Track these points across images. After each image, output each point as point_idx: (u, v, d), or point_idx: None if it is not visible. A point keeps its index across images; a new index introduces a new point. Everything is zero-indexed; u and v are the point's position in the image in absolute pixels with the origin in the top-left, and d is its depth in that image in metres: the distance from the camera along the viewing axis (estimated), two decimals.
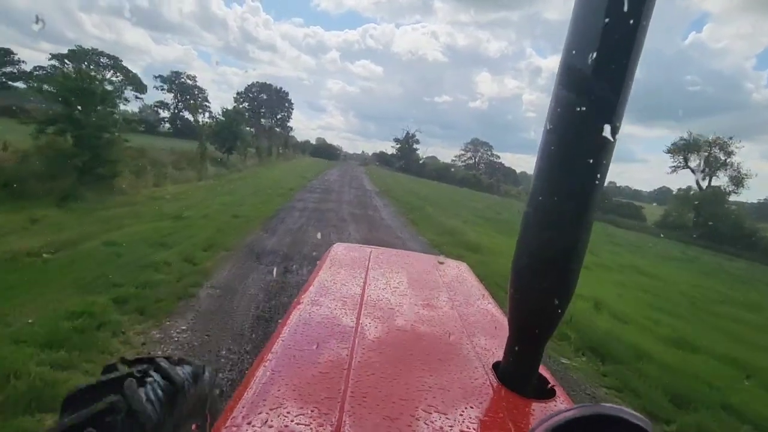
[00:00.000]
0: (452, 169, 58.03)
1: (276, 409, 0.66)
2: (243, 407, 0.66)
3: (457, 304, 1.36)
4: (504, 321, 1.16)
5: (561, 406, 0.82)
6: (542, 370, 0.90)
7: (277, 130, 56.97)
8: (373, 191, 20.33)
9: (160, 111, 52.53)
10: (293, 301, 1.22)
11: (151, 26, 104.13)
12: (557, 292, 0.74)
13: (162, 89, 52.04)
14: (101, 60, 49.49)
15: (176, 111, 54.11)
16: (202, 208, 8.95)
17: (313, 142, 68.07)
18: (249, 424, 0.62)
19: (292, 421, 0.64)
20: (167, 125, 52.14)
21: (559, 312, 0.75)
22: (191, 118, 54.27)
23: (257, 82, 57.97)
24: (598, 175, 0.67)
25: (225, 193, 11.54)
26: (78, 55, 48.45)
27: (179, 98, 52.71)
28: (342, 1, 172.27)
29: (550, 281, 0.73)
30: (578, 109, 0.65)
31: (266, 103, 57.80)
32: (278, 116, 58.69)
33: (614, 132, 0.64)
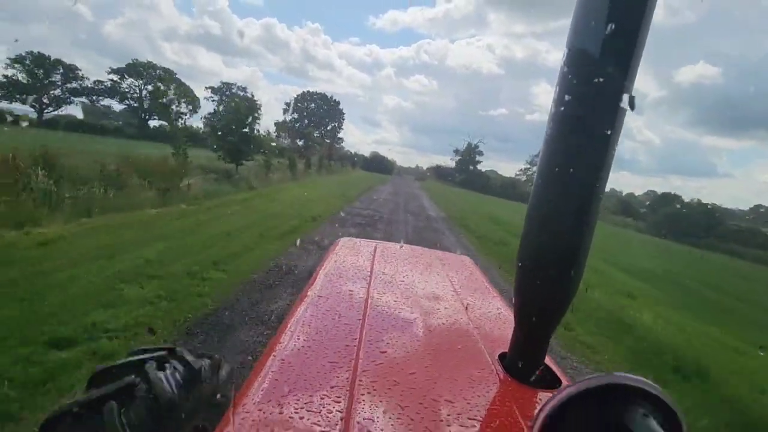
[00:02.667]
0: (517, 185, 49.85)
1: (285, 397, 0.68)
2: (252, 397, 0.68)
3: (462, 296, 1.38)
4: (508, 313, 1.20)
5: None
6: (548, 361, 0.91)
7: (327, 141, 53.42)
8: (440, 217, 14.71)
9: (211, 124, 51.66)
10: (300, 294, 1.24)
11: (223, 51, 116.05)
12: (562, 284, 0.75)
13: (212, 100, 51.01)
14: (156, 72, 49.86)
15: (230, 125, 53.00)
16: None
17: (368, 155, 64.22)
18: (259, 411, 0.64)
19: (301, 408, 0.66)
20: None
21: (565, 304, 0.77)
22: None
23: (308, 91, 55.09)
24: (603, 170, 0.69)
25: (157, 238, 5.97)
26: (135, 67, 49.26)
27: (230, 112, 51.47)
28: (397, 19, 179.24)
29: (556, 273, 0.74)
30: (579, 105, 0.67)
31: (315, 113, 54.57)
32: (328, 127, 55.10)
33: (616, 129, 0.66)
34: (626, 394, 0.47)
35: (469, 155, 54.80)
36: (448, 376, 0.83)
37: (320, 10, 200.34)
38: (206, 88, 52.14)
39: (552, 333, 0.83)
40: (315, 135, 52.29)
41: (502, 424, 0.71)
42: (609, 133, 0.66)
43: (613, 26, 0.62)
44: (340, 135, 56.61)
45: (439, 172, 60.07)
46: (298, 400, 0.67)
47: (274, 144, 16.30)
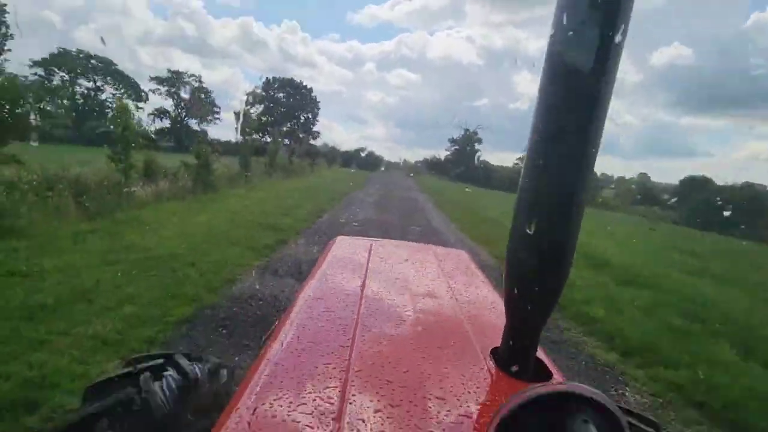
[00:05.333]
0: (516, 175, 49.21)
1: (279, 399, 0.74)
2: (246, 399, 0.74)
3: (457, 292, 1.50)
4: (502, 307, 1.15)
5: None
6: (540, 354, 0.98)
7: (301, 135, 52.08)
8: (467, 242, 13.10)
9: (159, 120, 49.70)
10: (295, 293, 1.38)
11: (201, 53, 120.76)
12: (551, 276, 0.82)
13: (158, 93, 49.10)
14: (91, 63, 47.69)
15: (179, 120, 51.04)
16: None
17: (362, 153, 62.73)
18: (253, 414, 0.70)
19: (294, 410, 0.72)
20: (167, 138, 48.99)
21: (554, 296, 0.84)
22: (198, 128, 50.88)
23: (276, 77, 53.55)
24: (589, 156, 0.74)
25: None
26: (65, 60, 46.90)
27: (180, 103, 49.50)
28: (375, 13, 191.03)
29: (544, 265, 0.80)
30: (567, 87, 0.73)
31: (286, 104, 53.12)
32: (301, 119, 53.72)
33: (602, 110, 0.72)
34: (576, 402, 0.54)
35: (467, 144, 54.10)
36: (440, 373, 0.91)
37: (297, 8, 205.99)
38: (151, 78, 49.91)
39: (542, 326, 0.92)
40: (284, 129, 50.90)
41: (490, 412, 0.77)
42: (593, 122, 0.72)
43: (594, 19, 0.68)
44: (315, 128, 55.23)
45: (434, 165, 59.23)
46: (291, 401, 0.75)
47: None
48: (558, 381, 0.58)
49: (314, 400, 0.75)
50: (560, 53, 0.72)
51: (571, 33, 0.69)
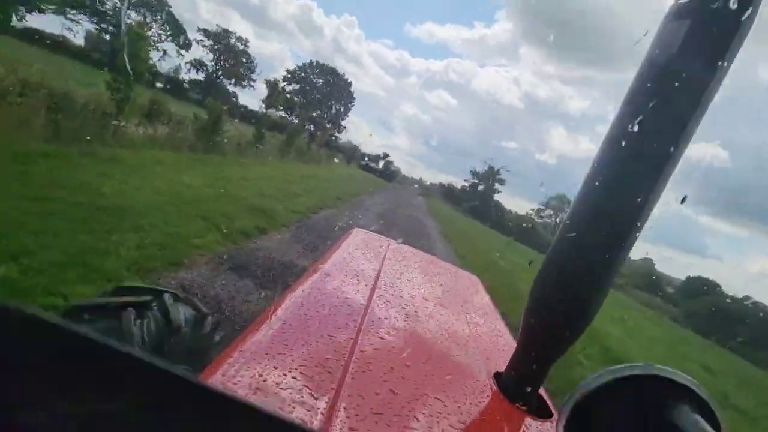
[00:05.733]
0: (529, 225, 47.85)
1: (265, 372, 0.71)
2: (229, 362, 0.71)
3: (466, 313, 1.49)
4: (508, 337, 1.33)
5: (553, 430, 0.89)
6: (542, 392, 0.97)
7: (329, 125, 51.20)
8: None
9: (192, 72, 48.95)
10: (304, 276, 1.30)
11: (257, 22, 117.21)
12: (573, 321, 0.81)
13: (203, 44, 48.41)
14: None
15: (215, 75, 50.32)
16: None
17: (381, 161, 61.45)
18: (233, 375, 0.68)
19: (281, 389, 0.68)
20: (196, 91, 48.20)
21: (571, 340, 0.83)
22: (231, 88, 50.11)
23: (320, 62, 52.82)
24: (640, 212, 0.74)
25: None
26: None
27: (220, 60, 48.78)
28: (433, 31, 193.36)
29: (570, 308, 0.81)
30: (634, 139, 0.72)
31: (321, 91, 52.35)
32: (332, 110, 52.86)
33: (668, 171, 0.72)
34: (670, 389, 0.50)
35: (488, 181, 52.96)
36: (441, 388, 0.89)
37: (360, 6, 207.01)
38: (198, 29, 49.29)
39: (553, 362, 0.88)
40: (314, 115, 50.04)
41: None
42: (648, 194, 0.73)
43: (672, 103, 0.69)
44: (344, 123, 54.35)
45: (448, 192, 58.06)
46: (274, 389, 0.69)
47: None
48: (646, 364, 0.50)
49: (307, 396, 0.71)
50: (628, 129, 0.72)
51: (641, 117, 0.70)
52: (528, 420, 0.89)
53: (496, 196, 53.96)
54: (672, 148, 0.70)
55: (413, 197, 36.58)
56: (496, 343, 1.30)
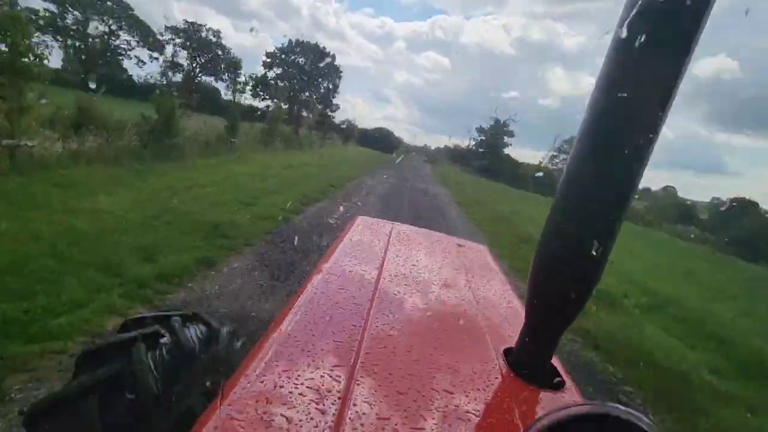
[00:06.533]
0: (542, 175, 44.58)
1: (287, 372, 0.74)
2: (254, 369, 0.74)
3: (474, 287, 1.47)
4: (519, 308, 1.29)
5: (569, 399, 0.90)
6: (553, 361, 0.96)
7: (319, 106, 48.34)
8: None
9: (170, 74, 46.24)
10: (313, 269, 1.33)
11: (233, 14, 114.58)
12: (579, 285, 0.80)
13: (173, 43, 45.45)
14: (107, 4, 44.15)
15: (193, 75, 47.59)
16: None
17: (379, 134, 58.45)
18: (261, 383, 0.71)
19: (302, 384, 0.72)
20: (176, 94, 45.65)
21: (578, 306, 0.82)
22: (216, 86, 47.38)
23: (298, 40, 49.35)
24: (636, 170, 0.72)
25: None
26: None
27: (196, 57, 45.92)
28: None
29: (573, 274, 0.79)
30: (621, 97, 0.70)
31: (307, 71, 49.18)
32: (321, 89, 49.81)
33: (658, 124, 0.70)
34: (617, 425, 0.51)
35: (496, 135, 49.69)
36: (451, 367, 0.90)
37: None
38: (166, 28, 46.07)
39: (561, 334, 0.89)
40: (304, 97, 47.12)
41: (499, 420, 0.77)
42: (648, 135, 0.70)
43: (662, 31, 0.66)
44: (336, 101, 51.25)
45: (456, 154, 55.00)
46: (299, 377, 0.74)
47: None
48: (589, 401, 0.52)
49: (322, 377, 0.75)
50: (619, 62, 0.71)
51: (634, 42, 0.67)
52: (540, 395, 0.88)
53: (507, 150, 50.88)
54: (659, 110, 0.69)
55: (421, 167, 33.95)
56: (506, 317, 1.28)
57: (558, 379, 0.93)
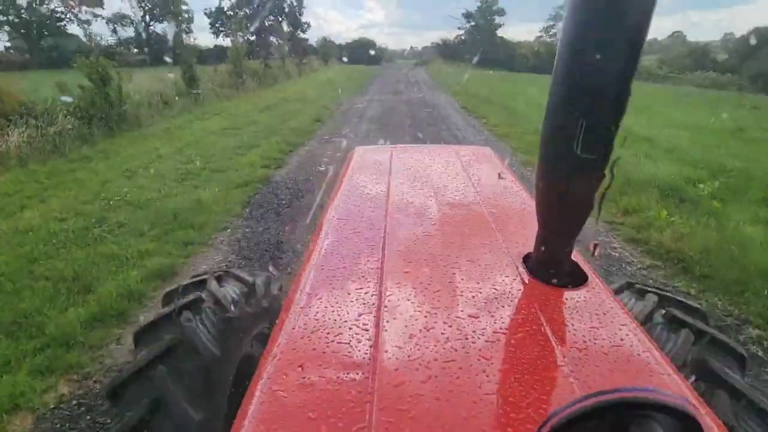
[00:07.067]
0: (541, 50, 40.35)
1: (316, 333, 0.77)
2: (284, 334, 0.78)
3: (484, 195, 1.45)
4: (532, 208, 1.15)
5: (594, 293, 0.91)
6: (575, 257, 0.97)
7: (288, 29, 43.71)
8: None
9: (119, 28, 41.63)
10: (323, 213, 1.36)
11: None
12: (586, 179, 0.76)
13: None
14: None
15: (145, 27, 42.77)
16: None
17: (349, 42, 53.10)
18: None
19: (332, 341, 0.75)
20: (137, 50, 41.25)
21: (589, 201, 0.79)
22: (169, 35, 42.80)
23: None
24: (634, 46, 0.66)
25: None
26: None
27: (143, 4, 40.76)
28: None
29: (580, 168, 0.75)
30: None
31: None
32: (284, 8, 44.63)
33: (648, 13, 0.65)
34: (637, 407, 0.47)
35: (485, 18, 44.66)
36: (473, 290, 0.90)
37: None
38: None
39: (577, 233, 0.86)
40: (268, 23, 42.38)
41: (528, 330, 0.77)
42: (640, 17, 0.65)
43: None
44: (305, 18, 46.10)
45: (445, 49, 50.26)
46: (329, 333, 0.77)
47: None
48: (620, 388, 0.44)
49: (351, 329, 0.78)
50: None
51: None
52: (564, 294, 0.89)
53: (499, 32, 46.03)
54: None
55: (414, 76, 30.83)
56: (520, 220, 1.26)
57: (582, 275, 0.95)
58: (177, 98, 11.57)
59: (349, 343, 0.74)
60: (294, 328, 0.76)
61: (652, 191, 5.30)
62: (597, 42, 0.67)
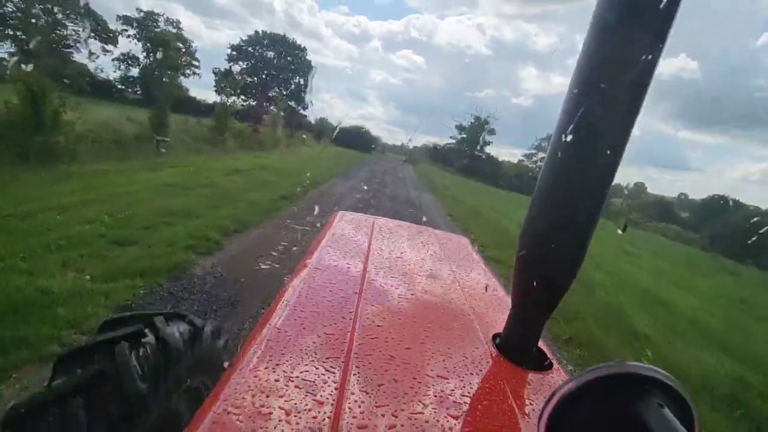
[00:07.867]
0: (529, 173, 42.48)
1: (281, 366, 0.73)
2: (247, 364, 0.72)
3: (459, 277, 1.47)
4: (503, 295, 1.31)
5: (556, 379, 0.91)
6: (540, 344, 0.97)
7: (291, 104, 44.77)
8: None
9: (125, 67, 41.59)
10: (297, 265, 1.31)
11: (202, 12, 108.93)
12: (562, 269, 0.81)
13: (126, 34, 40.85)
14: None
15: (152, 69, 43.03)
16: None
17: (346, 127, 55.06)
18: (255, 377, 0.69)
19: (297, 377, 0.71)
20: (138, 90, 40.87)
21: (563, 289, 0.83)
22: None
23: (265, 32, 45.42)
24: (611, 165, 0.74)
25: None
26: None
27: (151, 51, 41.36)
28: None
29: (557, 258, 0.80)
30: (596, 95, 0.72)
31: (273, 65, 45.39)
32: (291, 84, 46.17)
33: (631, 122, 0.71)
34: (638, 383, 0.49)
35: (476, 133, 47.18)
36: (443, 353, 0.89)
37: None
38: (118, 17, 41.33)
39: (547, 318, 0.90)
40: (272, 93, 43.40)
41: (493, 402, 0.77)
42: (622, 132, 0.72)
43: (633, 32, 0.67)
44: (312, 99, 47.70)
45: (435, 153, 52.17)
46: (294, 368, 0.73)
47: None
48: (618, 362, 0.49)
49: (317, 369, 0.74)
50: (596, 58, 0.71)
51: (608, 40, 0.69)
52: (530, 376, 0.89)
53: (488, 149, 48.48)
54: (632, 108, 0.71)
55: (401, 169, 30.84)
56: (492, 304, 1.30)
57: (546, 361, 0.95)
58: (135, 141, 10.02)
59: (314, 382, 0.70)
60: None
61: (705, 397, 3.78)
62: (567, 188, 0.77)
